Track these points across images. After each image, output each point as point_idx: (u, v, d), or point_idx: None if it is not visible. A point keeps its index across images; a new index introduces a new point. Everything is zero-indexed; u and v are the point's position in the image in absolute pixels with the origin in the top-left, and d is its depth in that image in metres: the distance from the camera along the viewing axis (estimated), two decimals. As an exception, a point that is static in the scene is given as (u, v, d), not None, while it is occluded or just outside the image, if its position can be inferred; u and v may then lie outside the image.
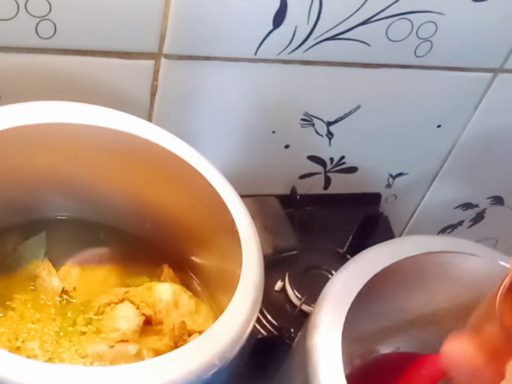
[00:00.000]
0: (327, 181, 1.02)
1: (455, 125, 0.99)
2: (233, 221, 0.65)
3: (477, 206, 1.17)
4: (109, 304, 0.71)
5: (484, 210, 1.19)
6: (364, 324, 0.77)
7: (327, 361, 0.63)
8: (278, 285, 0.90)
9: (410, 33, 0.83)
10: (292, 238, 0.73)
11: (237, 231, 0.65)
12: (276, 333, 0.86)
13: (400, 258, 0.72)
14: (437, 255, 0.74)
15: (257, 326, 0.86)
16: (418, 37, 0.84)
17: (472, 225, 1.22)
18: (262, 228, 0.70)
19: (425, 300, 0.79)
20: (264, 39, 0.78)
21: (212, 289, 0.75)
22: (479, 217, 1.21)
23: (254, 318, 0.60)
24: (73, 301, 0.72)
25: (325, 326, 0.66)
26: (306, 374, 0.63)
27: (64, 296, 0.71)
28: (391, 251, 0.73)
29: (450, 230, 1.22)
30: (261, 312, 0.87)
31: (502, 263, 0.74)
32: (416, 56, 0.86)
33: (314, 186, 1.02)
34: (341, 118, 0.92)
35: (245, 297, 0.60)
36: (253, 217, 0.67)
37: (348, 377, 0.61)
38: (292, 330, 0.86)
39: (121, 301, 0.71)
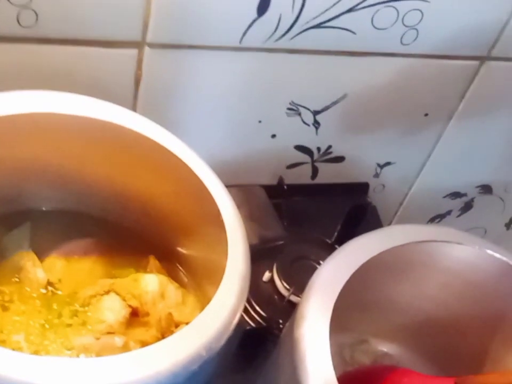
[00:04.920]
0: (315, 171, 1.02)
1: (442, 113, 0.99)
2: (218, 211, 0.65)
3: (465, 195, 1.17)
4: (95, 296, 0.70)
5: (472, 199, 1.19)
6: (353, 314, 0.76)
7: (314, 352, 0.62)
8: (266, 276, 0.90)
9: (396, 21, 0.83)
10: (277, 227, 0.73)
11: (222, 221, 0.64)
12: (264, 324, 0.86)
13: (388, 248, 0.72)
14: (425, 244, 0.74)
15: (246, 317, 0.86)
16: (404, 25, 0.84)
17: (460, 214, 1.22)
18: (247, 218, 0.69)
19: (414, 289, 0.79)
20: (249, 27, 0.78)
21: (198, 280, 0.75)
22: (467, 206, 1.20)
23: (241, 308, 0.60)
24: (59, 292, 0.71)
25: (312, 316, 0.65)
26: (293, 365, 0.63)
27: (50, 288, 0.71)
28: (379, 240, 0.72)
29: (439, 219, 1.22)
30: (249, 303, 0.86)
31: (490, 252, 0.74)
32: (402, 44, 0.86)
33: (302, 176, 1.02)
34: (328, 107, 0.91)
35: (231, 288, 0.60)
36: (238, 207, 0.67)
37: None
38: (281, 321, 0.85)
39: (107, 292, 0.71)
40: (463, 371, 0.70)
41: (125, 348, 0.67)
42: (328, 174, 1.03)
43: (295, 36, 0.80)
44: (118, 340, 0.67)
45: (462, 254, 0.75)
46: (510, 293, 0.75)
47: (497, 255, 0.74)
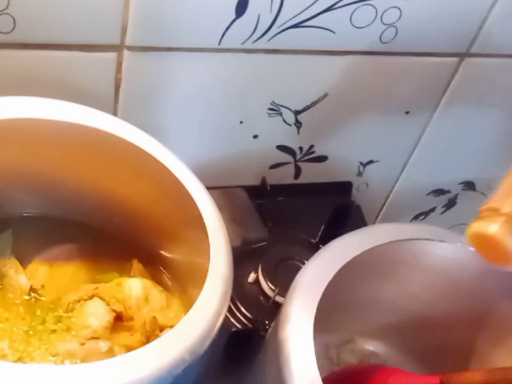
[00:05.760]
0: (298, 171, 1.02)
1: (423, 111, 0.99)
2: (200, 213, 0.65)
3: (448, 192, 1.17)
4: (79, 301, 0.70)
5: (456, 196, 1.19)
6: (338, 313, 0.76)
7: (299, 353, 0.62)
8: (251, 277, 0.90)
9: (374, 19, 0.83)
10: (260, 229, 0.73)
11: (204, 224, 0.64)
12: (250, 325, 0.86)
13: (371, 247, 0.72)
14: (408, 242, 0.74)
15: (232, 319, 0.85)
16: (383, 23, 0.84)
17: (444, 211, 1.22)
18: (230, 220, 0.69)
19: (398, 288, 0.79)
20: (228, 28, 0.78)
21: (182, 283, 0.75)
22: (451, 203, 1.21)
23: (224, 311, 0.60)
24: (42, 298, 0.71)
25: (296, 317, 0.65)
26: (278, 366, 0.63)
27: (33, 294, 0.71)
28: (362, 240, 0.72)
29: (423, 216, 1.22)
30: (235, 305, 0.86)
31: (472, 248, 0.74)
32: (382, 42, 0.86)
33: (285, 176, 1.02)
34: (309, 107, 0.91)
35: (213, 291, 0.60)
36: (220, 209, 0.67)
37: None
38: (267, 322, 0.85)
39: (91, 297, 0.70)
40: (449, 368, 0.70)
41: (110, 353, 0.67)
42: (311, 174, 1.03)
43: (274, 36, 0.80)
44: (103, 345, 0.67)
45: (445, 251, 0.75)
46: (493, 290, 0.75)
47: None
